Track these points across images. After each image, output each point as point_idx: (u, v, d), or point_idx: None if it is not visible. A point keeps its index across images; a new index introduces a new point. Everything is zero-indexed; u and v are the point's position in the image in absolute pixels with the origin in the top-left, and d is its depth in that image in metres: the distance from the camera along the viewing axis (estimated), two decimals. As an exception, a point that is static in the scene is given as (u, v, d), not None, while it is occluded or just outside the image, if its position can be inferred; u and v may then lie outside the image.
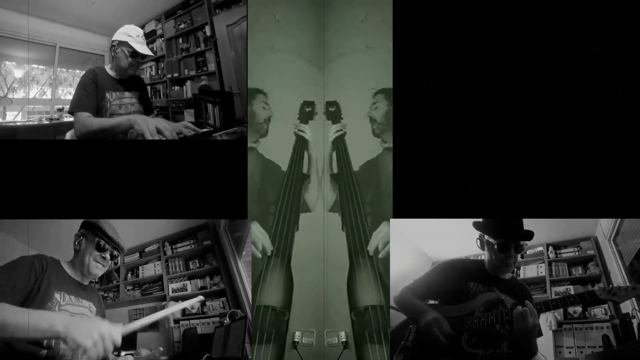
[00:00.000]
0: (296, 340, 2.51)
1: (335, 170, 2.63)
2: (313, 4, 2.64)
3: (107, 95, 2.59)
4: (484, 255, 2.57)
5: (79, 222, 2.38)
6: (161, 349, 2.55)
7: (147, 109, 2.75)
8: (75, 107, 2.55)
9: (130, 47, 2.58)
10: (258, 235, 2.53)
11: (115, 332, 1.99)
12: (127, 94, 2.66)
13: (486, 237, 2.50)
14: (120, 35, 2.59)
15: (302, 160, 2.60)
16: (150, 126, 2.49)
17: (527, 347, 2.31)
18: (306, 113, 2.62)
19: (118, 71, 2.63)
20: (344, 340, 2.53)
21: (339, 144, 2.63)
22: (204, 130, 2.69)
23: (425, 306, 2.48)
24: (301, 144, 2.61)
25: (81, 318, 2.16)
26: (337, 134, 2.62)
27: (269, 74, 2.62)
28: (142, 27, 2.82)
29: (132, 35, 2.59)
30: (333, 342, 2.54)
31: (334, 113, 2.62)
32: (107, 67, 2.64)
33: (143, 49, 2.62)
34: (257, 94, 2.60)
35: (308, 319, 2.56)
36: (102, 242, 2.30)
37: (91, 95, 2.55)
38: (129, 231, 2.49)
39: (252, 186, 2.57)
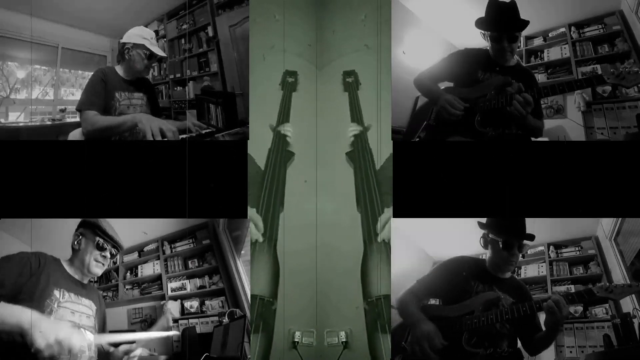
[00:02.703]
0: (296, 340, 2.49)
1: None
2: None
3: (117, 94, 2.62)
4: (486, 255, 2.57)
5: (75, 220, 2.37)
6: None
7: (155, 110, 2.77)
8: (83, 104, 2.57)
9: (147, 49, 2.61)
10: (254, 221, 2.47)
11: (76, 340, 2.01)
12: (136, 94, 2.68)
13: (491, 235, 2.52)
14: (134, 37, 2.62)
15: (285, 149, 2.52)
16: (153, 127, 2.51)
17: (552, 338, 2.38)
18: (289, 83, 2.55)
19: (130, 72, 2.65)
20: (344, 340, 2.51)
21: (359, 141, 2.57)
22: (207, 130, 2.71)
23: (421, 316, 2.46)
24: (282, 143, 2.54)
25: (48, 320, 2.09)
26: (354, 132, 2.56)
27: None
28: (145, 27, 2.85)
29: (147, 37, 2.62)
30: (333, 342, 2.51)
31: (351, 84, 2.54)
32: (117, 67, 2.67)
33: (159, 51, 2.65)
34: None
35: (309, 314, 2.54)
36: (102, 242, 2.30)
37: (99, 94, 2.58)
38: (128, 230, 2.49)
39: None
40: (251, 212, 2.49)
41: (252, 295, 2.27)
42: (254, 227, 2.43)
